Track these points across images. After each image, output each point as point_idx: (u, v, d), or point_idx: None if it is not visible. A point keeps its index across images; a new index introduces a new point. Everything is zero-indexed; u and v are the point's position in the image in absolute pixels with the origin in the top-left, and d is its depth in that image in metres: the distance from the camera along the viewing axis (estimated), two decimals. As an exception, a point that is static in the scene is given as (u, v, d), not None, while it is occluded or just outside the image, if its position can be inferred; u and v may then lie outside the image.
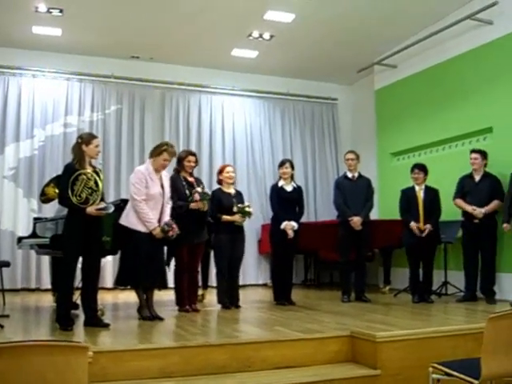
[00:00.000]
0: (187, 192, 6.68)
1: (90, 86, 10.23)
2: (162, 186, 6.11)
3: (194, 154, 7.02)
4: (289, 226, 7.24)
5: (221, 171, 7.38)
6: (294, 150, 11.53)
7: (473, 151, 7.77)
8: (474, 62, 8.49)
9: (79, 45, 9.65)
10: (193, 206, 6.60)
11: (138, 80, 10.46)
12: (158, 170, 6.13)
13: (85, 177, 5.39)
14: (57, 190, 6.59)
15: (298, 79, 11.54)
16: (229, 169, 7.36)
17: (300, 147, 11.63)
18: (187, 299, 6.70)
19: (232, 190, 7.31)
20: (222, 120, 11.09)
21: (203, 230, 6.86)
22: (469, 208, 7.58)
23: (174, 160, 6.68)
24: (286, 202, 7.37)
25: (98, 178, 5.48)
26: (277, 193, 7.43)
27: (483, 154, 7.72)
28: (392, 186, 9.17)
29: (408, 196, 7.78)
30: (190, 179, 6.87)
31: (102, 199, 5.55)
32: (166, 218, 6.10)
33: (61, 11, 8.47)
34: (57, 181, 6.83)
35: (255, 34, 9.49)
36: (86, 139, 5.54)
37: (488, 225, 7.51)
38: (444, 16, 8.79)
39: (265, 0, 8.41)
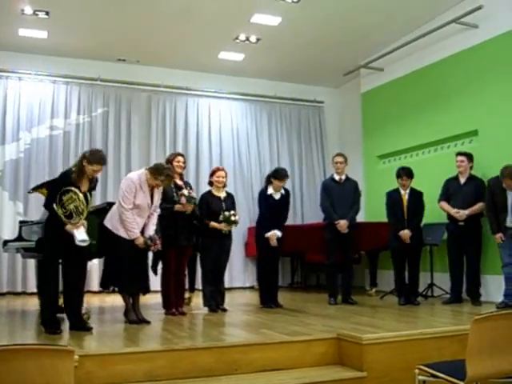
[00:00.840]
0: (175, 195, 6.67)
1: (76, 89, 10.19)
2: (152, 197, 6.08)
3: (182, 155, 7.04)
4: (273, 236, 7.25)
5: (212, 173, 7.35)
6: (281, 153, 11.55)
7: (459, 154, 7.82)
8: (460, 66, 8.54)
9: (65, 47, 9.62)
10: (177, 207, 6.59)
11: (125, 83, 10.44)
12: (150, 184, 6.09)
13: (74, 196, 5.31)
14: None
15: (284, 82, 11.56)
16: (220, 173, 7.28)
17: (287, 150, 11.64)
18: (174, 302, 6.70)
19: (223, 194, 7.27)
20: (209, 123, 11.09)
21: (191, 233, 6.86)
22: (452, 211, 7.62)
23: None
24: (273, 209, 7.37)
25: (85, 203, 5.37)
26: (265, 199, 7.41)
27: (469, 157, 7.77)
28: (378, 189, 9.21)
29: (393, 198, 7.83)
30: (179, 182, 6.86)
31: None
32: (152, 227, 6.09)
33: (47, 14, 8.44)
34: (48, 185, 6.77)
35: (242, 37, 9.50)
36: (90, 159, 5.41)
37: (472, 227, 7.56)
38: (430, 20, 8.84)
39: (252, 3, 8.43)
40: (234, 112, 11.36)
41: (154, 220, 6.15)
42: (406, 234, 7.61)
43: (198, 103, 11.05)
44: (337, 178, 7.92)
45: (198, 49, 9.95)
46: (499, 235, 7.05)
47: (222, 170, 7.41)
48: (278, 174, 7.38)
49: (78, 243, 5.29)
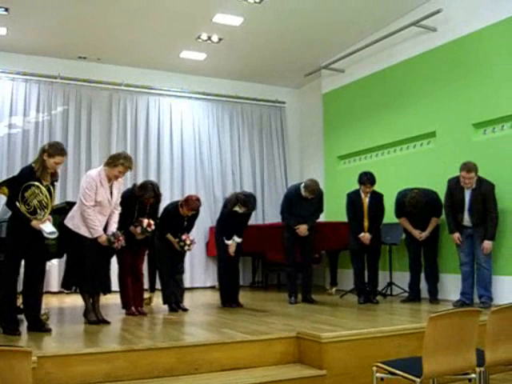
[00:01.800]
0: (135, 215, 6.60)
1: (35, 87, 10.03)
2: (111, 193, 6.05)
3: (154, 192, 6.73)
4: (233, 245, 7.33)
5: (187, 203, 7.10)
6: (242, 153, 11.57)
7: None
8: (419, 68, 8.68)
9: (25, 44, 9.47)
10: (131, 229, 6.51)
11: (85, 81, 10.32)
12: (110, 179, 6.05)
13: (37, 190, 5.25)
14: (6, 191, 6.44)
15: (246, 82, 11.59)
16: (195, 206, 7.10)
17: (248, 150, 11.67)
18: (133, 302, 6.67)
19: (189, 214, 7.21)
20: (170, 122, 11.04)
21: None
22: (415, 232, 7.67)
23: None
24: (235, 220, 7.36)
25: (49, 196, 5.32)
26: (229, 213, 7.34)
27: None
28: (339, 189, 9.29)
29: (353, 200, 7.89)
30: (147, 209, 6.72)
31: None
32: (114, 224, 6.06)
33: (6, 10, 8.30)
34: (8, 182, 6.65)
35: (204, 36, 9.49)
36: (50, 151, 5.33)
37: None
38: (390, 22, 8.96)
39: (214, 3, 8.43)
40: (195, 111, 11.33)
41: (116, 218, 6.12)
42: (366, 237, 7.69)
43: (159, 102, 11.00)
44: (304, 194, 7.74)
45: (160, 48, 9.92)
46: (456, 235, 7.18)
47: (198, 203, 7.19)
48: (244, 202, 7.28)
49: (46, 236, 5.27)
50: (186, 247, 7.10)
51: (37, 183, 5.27)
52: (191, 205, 7.05)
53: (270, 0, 8.24)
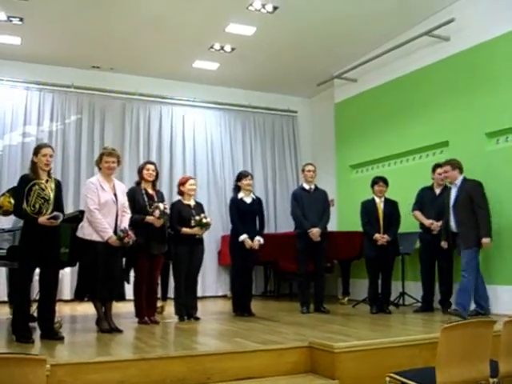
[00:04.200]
0: (146, 204, 6.69)
1: (49, 96, 10.13)
2: (116, 195, 6.08)
3: (152, 163, 7.07)
4: (248, 240, 7.31)
5: (183, 183, 7.36)
6: (255, 162, 11.60)
7: (439, 165, 7.75)
8: (432, 77, 8.67)
9: (39, 54, 9.56)
10: (148, 219, 6.60)
11: (99, 90, 10.39)
12: (108, 177, 6.12)
13: (38, 187, 5.37)
14: (12, 201, 6.51)
15: (258, 91, 11.62)
16: (191, 181, 7.36)
17: (260, 159, 11.69)
18: (146, 311, 6.68)
19: (192, 202, 7.32)
20: (183, 131, 11.09)
21: (163, 241, 6.86)
22: (426, 222, 7.69)
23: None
24: (245, 214, 7.41)
25: (50, 189, 5.44)
26: (236, 205, 7.47)
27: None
28: (351, 198, 9.28)
29: (368, 208, 7.87)
30: (151, 191, 6.88)
31: (61, 210, 5.51)
32: (124, 224, 6.08)
33: (21, 20, 8.39)
34: (12, 192, 6.74)
35: (217, 46, 9.54)
36: (35, 149, 5.54)
37: None
38: (403, 32, 8.96)
39: (226, 13, 8.47)
40: (208, 121, 11.38)
41: (126, 222, 6.12)
42: (382, 236, 7.60)
43: (172, 112, 11.05)
44: (307, 187, 7.97)
45: (173, 57, 9.97)
46: (443, 243, 7.26)
47: (193, 178, 7.52)
48: (241, 174, 7.67)
49: (57, 220, 5.35)
50: (204, 220, 7.07)
51: (37, 181, 5.39)
52: (181, 179, 7.45)
53: (282, 10, 8.28)
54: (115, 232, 5.94)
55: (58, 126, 10.10)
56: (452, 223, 7.06)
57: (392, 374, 3.72)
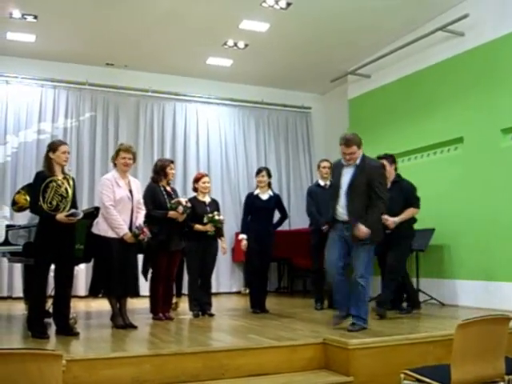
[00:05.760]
0: (166, 201, 6.71)
1: (64, 93, 10.19)
2: (131, 191, 6.10)
3: (173, 162, 7.13)
4: (244, 241, 7.31)
5: (197, 180, 7.38)
6: (268, 159, 11.59)
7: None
8: (446, 73, 8.61)
9: (54, 51, 9.61)
10: (172, 214, 6.60)
11: (113, 87, 10.44)
12: (123, 173, 6.13)
13: (55, 184, 5.38)
14: (28, 198, 6.56)
15: (272, 88, 11.61)
16: (205, 179, 7.37)
17: (274, 155, 11.69)
18: (162, 307, 6.71)
19: (207, 199, 7.32)
20: (197, 128, 11.12)
21: (181, 237, 6.88)
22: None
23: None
24: (260, 211, 7.39)
25: (67, 185, 5.47)
26: (252, 201, 7.45)
27: (390, 159, 7.27)
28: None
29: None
30: (168, 189, 6.90)
31: (75, 207, 5.54)
32: (139, 221, 6.10)
33: (35, 17, 8.44)
34: (28, 189, 6.79)
35: (230, 42, 9.54)
36: (52, 146, 5.53)
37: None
38: (417, 27, 8.92)
39: (240, 9, 8.46)
40: (221, 117, 11.39)
41: (141, 219, 6.14)
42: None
43: (185, 108, 11.08)
44: (322, 183, 7.95)
45: (187, 54, 9.98)
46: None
47: (207, 175, 7.53)
48: (257, 170, 7.68)
49: (76, 218, 5.38)
50: (217, 217, 7.08)
51: (54, 178, 5.41)
52: (196, 175, 7.53)
53: (295, 6, 8.26)
54: (130, 229, 5.96)
55: (73, 122, 10.16)
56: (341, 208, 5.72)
57: (407, 371, 3.72)
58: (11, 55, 9.62)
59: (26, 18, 8.43)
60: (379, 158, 7.13)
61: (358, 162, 5.59)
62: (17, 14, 8.29)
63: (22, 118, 9.85)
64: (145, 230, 5.96)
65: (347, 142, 5.51)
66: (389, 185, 6.81)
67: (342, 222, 5.63)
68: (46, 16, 8.44)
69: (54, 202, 5.35)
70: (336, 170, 5.84)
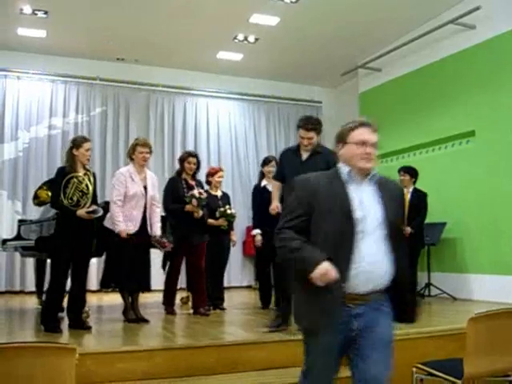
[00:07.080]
0: (185, 194, 6.59)
1: (74, 88, 10.21)
2: (145, 187, 6.09)
3: (194, 156, 6.85)
4: (258, 236, 7.09)
5: (212, 174, 7.35)
6: (279, 153, 11.54)
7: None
8: (458, 66, 8.57)
9: (64, 46, 9.63)
10: (188, 208, 6.53)
11: (123, 82, 10.46)
12: (140, 167, 6.12)
13: (76, 180, 5.40)
14: (49, 193, 6.58)
15: (282, 82, 11.58)
16: (221, 173, 7.36)
17: (285, 149, 11.66)
18: (195, 303, 6.62)
19: (219, 193, 7.32)
20: (207, 122, 11.12)
21: (204, 231, 6.76)
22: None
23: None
24: (267, 204, 7.24)
25: (88, 182, 5.49)
26: (259, 193, 7.22)
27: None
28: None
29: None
30: (191, 182, 6.75)
31: (96, 202, 5.56)
32: (157, 224, 6.10)
33: (46, 13, 8.46)
34: (49, 184, 6.83)
35: (240, 36, 9.53)
36: (76, 143, 5.51)
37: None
38: (428, 20, 8.87)
39: (250, 3, 8.45)
40: (232, 112, 11.39)
41: (158, 217, 6.15)
42: (406, 230, 7.29)
43: (196, 103, 11.08)
44: None
45: (197, 48, 9.97)
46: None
47: (222, 170, 7.52)
48: (265, 159, 7.45)
49: (96, 215, 5.42)
50: (229, 211, 7.09)
51: (75, 174, 5.42)
52: (210, 170, 7.47)
53: (305, 0, 8.23)
54: (142, 225, 5.95)
55: (84, 118, 10.19)
56: None
57: (419, 365, 3.72)
58: (22, 51, 9.65)
59: (36, 14, 8.45)
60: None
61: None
62: (27, 9, 8.31)
63: (33, 114, 9.88)
64: (166, 243, 5.99)
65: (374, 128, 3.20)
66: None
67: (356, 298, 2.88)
68: (56, 11, 8.46)
69: (75, 198, 5.37)
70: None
